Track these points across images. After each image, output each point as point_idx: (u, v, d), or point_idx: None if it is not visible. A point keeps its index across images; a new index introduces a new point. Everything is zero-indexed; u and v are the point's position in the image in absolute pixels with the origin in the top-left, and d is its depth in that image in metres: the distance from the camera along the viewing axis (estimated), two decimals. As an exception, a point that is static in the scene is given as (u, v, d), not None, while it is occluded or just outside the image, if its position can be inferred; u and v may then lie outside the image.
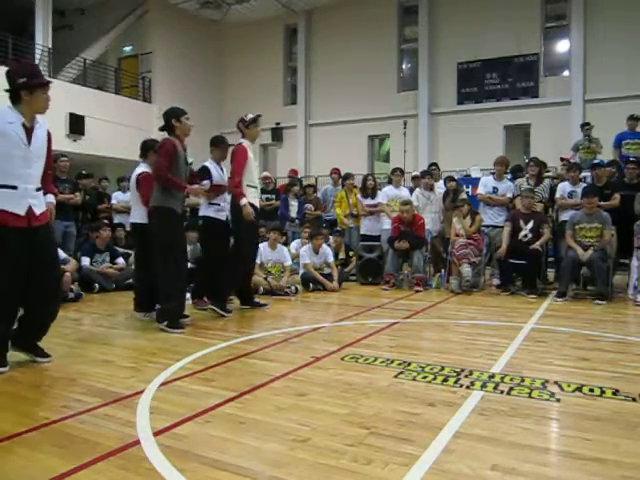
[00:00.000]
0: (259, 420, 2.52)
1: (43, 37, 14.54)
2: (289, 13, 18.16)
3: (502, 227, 7.27)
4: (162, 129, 4.82)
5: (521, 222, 6.85)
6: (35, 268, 3.41)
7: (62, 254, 6.40)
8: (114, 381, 3.14)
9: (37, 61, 14.18)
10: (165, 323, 4.61)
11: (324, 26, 18.01)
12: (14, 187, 3.30)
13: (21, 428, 2.40)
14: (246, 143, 5.58)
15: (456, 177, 9.35)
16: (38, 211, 3.44)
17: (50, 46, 14.63)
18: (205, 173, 5.74)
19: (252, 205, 5.49)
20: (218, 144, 5.94)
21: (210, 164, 5.83)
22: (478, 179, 8.80)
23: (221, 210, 5.76)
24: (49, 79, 3.62)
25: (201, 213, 5.82)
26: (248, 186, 5.52)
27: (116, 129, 14.97)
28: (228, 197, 5.88)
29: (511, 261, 6.74)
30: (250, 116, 5.62)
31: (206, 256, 6.01)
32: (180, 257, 4.75)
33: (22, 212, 3.33)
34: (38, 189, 3.48)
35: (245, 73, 19.02)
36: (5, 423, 2.47)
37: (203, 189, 5.04)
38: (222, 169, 5.88)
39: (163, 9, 17.44)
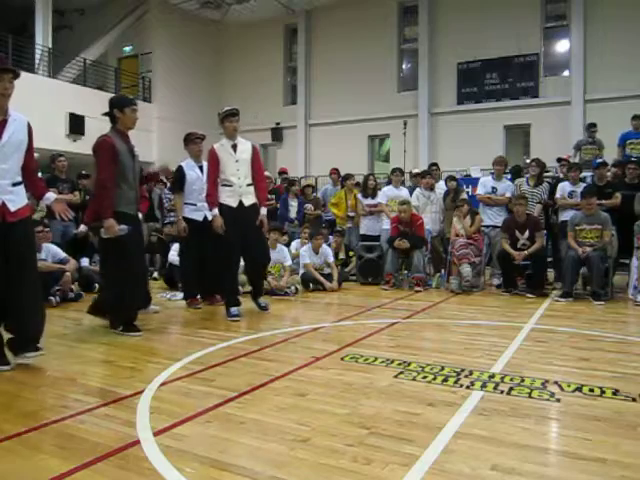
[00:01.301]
0: (259, 420, 2.52)
1: (43, 37, 14.55)
2: (289, 13, 18.17)
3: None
4: (105, 115, 4.43)
5: (517, 233, 6.83)
6: (11, 264, 3.31)
7: (62, 254, 6.41)
8: (114, 381, 3.14)
9: (37, 61, 14.20)
10: (120, 328, 4.41)
11: (324, 26, 18.01)
12: None
13: (21, 428, 2.40)
14: (217, 144, 5.24)
15: (457, 177, 9.34)
16: (13, 207, 3.32)
17: (50, 46, 14.64)
18: (178, 174, 5.87)
19: (227, 205, 5.16)
20: (186, 141, 6.02)
21: (186, 164, 5.93)
22: (478, 179, 8.80)
23: (197, 210, 5.82)
24: (7, 67, 3.35)
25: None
26: (224, 186, 5.20)
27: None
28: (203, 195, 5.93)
29: (515, 262, 6.74)
30: (226, 109, 5.25)
31: (185, 256, 6.05)
32: (129, 261, 4.37)
33: None
34: (15, 184, 3.35)
35: (245, 73, 19.01)
36: (5, 423, 2.47)
37: (116, 231, 4.25)
38: (201, 167, 5.91)
39: (163, 9, 17.44)
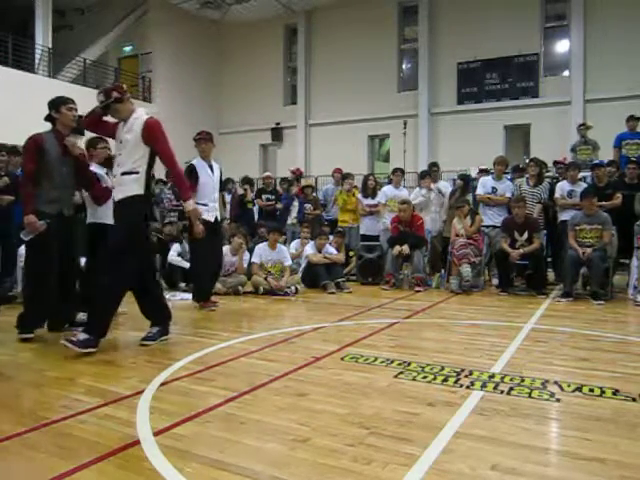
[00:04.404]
0: (259, 420, 2.52)
1: (43, 37, 14.55)
2: (289, 13, 18.17)
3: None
4: (46, 119, 4.36)
5: (516, 234, 6.83)
6: None
7: None
8: (114, 381, 3.14)
9: (37, 61, 14.19)
10: (18, 331, 4.23)
11: (324, 26, 18.02)
12: None
13: (21, 428, 2.40)
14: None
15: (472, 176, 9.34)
16: None
17: (50, 46, 14.64)
18: (190, 172, 5.66)
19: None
20: (197, 140, 5.89)
21: (197, 162, 5.81)
22: (478, 179, 8.79)
23: (209, 210, 5.69)
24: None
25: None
26: None
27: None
28: (216, 195, 5.87)
29: (512, 261, 6.75)
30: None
31: (198, 257, 5.96)
32: (47, 261, 4.23)
33: None
34: None
35: (245, 73, 19.02)
36: (5, 423, 2.47)
37: (37, 227, 4.16)
38: (211, 166, 5.85)
39: (163, 9, 17.45)
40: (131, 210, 4.00)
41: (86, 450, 2.18)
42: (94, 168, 4.95)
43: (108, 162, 5.04)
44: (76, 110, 4.37)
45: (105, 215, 4.78)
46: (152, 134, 4.00)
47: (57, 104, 4.31)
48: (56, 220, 4.26)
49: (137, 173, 3.99)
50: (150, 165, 4.07)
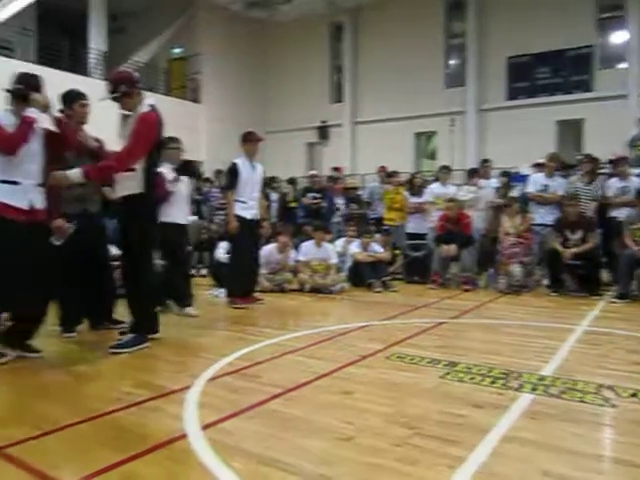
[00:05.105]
0: (304, 417, 2.53)
1: (98, 41, 15.02)
2: (333, 11, 18.14)
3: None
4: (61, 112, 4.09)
5: (568, 233, 6.63)
6: None
7: None
8: (163, 375, 3.22)
9: (92, 64, 14.66)
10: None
11: (370, 23, 17.92)
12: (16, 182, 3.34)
13: (74, 419, 2.48)
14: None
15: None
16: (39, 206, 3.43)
17: (105, 50, 15.09)
18: (233, 170, 5.81)
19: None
20: (245, 140, 5.98)
21: (241, 162, 5.91)
22: (528, 176, 8.56)
23: (248, 208, 5.80)
24: None
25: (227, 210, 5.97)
26: None
27: (166, 130, 15.28)
28: (256, 194, 5.93)
29: (568, 262, 6.56)
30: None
31: (232, 254, 6.05)
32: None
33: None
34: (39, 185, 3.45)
35: (291, 71, 19.13)
36: (59, 414, 2.56)
37: (67, 230, 3.89)
38: (253, 165, 5.94)
39: (211, 11, 17.71)
40: (127, 210, 3.83)
41: (136, 442, 2.24)
42: (162, 169, 4.82)
43: (186, 167, 5.22)
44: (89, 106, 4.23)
45: (172, 214, 5.07)
46: (135, 124, 3.74)
47: (70, 100, 4.15)
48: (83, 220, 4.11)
49: (134, 170, 3.74)
50: (150, 162, 3.83)
